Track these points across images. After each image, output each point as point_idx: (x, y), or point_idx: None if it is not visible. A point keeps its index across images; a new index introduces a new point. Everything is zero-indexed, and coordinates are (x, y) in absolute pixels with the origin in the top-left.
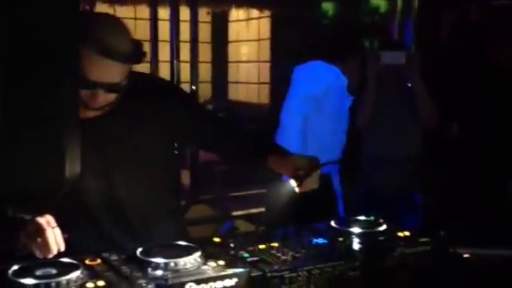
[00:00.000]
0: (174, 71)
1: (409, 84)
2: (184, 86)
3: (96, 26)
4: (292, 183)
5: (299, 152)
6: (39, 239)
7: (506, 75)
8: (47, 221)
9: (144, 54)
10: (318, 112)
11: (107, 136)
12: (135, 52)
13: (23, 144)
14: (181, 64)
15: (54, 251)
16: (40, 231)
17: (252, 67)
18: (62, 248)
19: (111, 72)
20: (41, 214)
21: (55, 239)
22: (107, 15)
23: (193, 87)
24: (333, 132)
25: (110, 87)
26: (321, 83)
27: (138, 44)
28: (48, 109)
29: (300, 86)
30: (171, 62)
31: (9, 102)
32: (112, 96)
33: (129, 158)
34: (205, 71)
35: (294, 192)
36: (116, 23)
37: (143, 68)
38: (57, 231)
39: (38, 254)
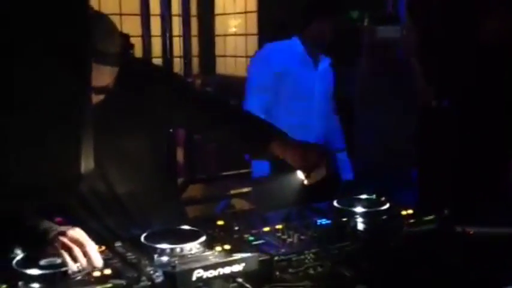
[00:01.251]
0: (166, 45)
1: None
2: (175, 60)
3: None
4: (300, 174)
5: None
6: (76, 251)
7: (499, 47)
8: (81, 234)
9: (132, 47)
10: (277, 102)
11: (98, 125)
12: (125, 51)
13: (36, 140)
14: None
15: (99, 264)
16: (79, 243)
17: (239, 40)
18: (101, 261)
19: (103, 75)
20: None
21: (95, 252)
22: (93, 15)
23: (186, 61)
24: (304, 120)
25: (99, 90)
26: (269, 71)
27: (125, 38)
28: (62, 104)
29: (251, 79)
30: (163, 36)
31: (23, 98)
32: (101, 97)
33: (121, 146)
34: (192, 44)
35: (301, 184)
36: (104, 22)
37: (135, 42)
38: (93, 244)
39: (74, 267)
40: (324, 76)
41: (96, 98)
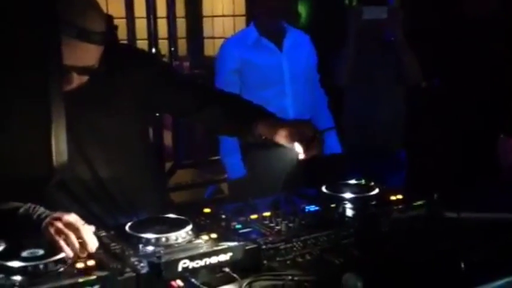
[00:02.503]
0: (151, 27)
1: (391, 39)
2: (162, 42)
3: (68, 6)
4: (298, 148)
5: None
6: (72, 237)
7: (484, 24)
8: (76, 219)
9: (116, 29)
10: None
11: (80, 109)
12: (109, 29)
13: (6, 133)
14: (158, 20)
15: (93, 249)
16: (73, 228)
17: (227, 21)
18: (97, 245)
19: (88, 54)
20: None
21: (91, 236)
22: None
23: (172, 46)
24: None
25: (84, 70)
26: (225, 70)
27: (109, 19)
28: (32, 96)
29: (215, 77)
30: (148, 18)
31: None
32: (85, 78)
33: (105, 130)
34: (179, 26)
35: (297, 159)
36: (88, 1)
37: (119, 25)
38: (89, 228)
39: (69, 253)
40: (291, 55)
41: (80, 79)
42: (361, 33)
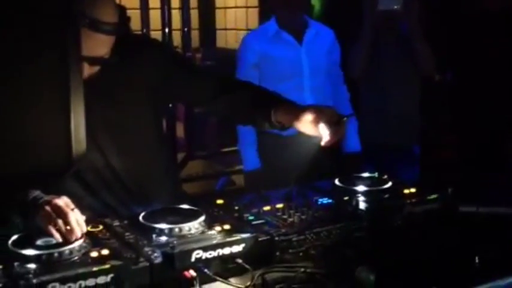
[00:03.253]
0: (165, 18)
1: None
2: (175, 33)
3: None
4: (323, 132)
5: None
6: (59, 222)
7: (498, 18)
8: (65, 203)
9: (129, 20)
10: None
11: (93, 97)
12: (122, 21)
13: (27, 122)
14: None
15: (78, 234)
16: (60, 213)
17: (240, 13)
18: (84, 230)
19: (98, 45)
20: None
21: (77, 221)
22: None
23: (185, 29)
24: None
25: (95, 61)
26: (246, 64)
27: (122, 10)
28: (51, 84)
29: (237, 70)
30: (162, 9)
31: (11, 78)
32: (96, 68)
33: (117, 120)
34: (191, 18)
35: (319, 145)
36: None
37: (133, 16)
38: (78, 212)
39: (58, 237)
40: (311, 49)
41: (91, 70)
42: (376, 25)
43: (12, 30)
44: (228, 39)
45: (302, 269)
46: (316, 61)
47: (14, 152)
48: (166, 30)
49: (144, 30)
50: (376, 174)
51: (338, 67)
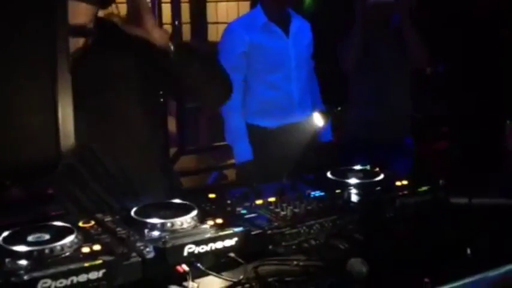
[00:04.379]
0: (155, 11)
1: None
2: (166, 27)
3: None
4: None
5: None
6: None
7: (490, 11)
8: None
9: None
10: (253, 77)
11: (83, 91)
12: None
13: (13, 117)
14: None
15: None
16: None
17: (231, 6)
18: None
19: (79, 12)
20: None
21: None
22: None
23: (177, 23)
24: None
25: (77, 30)
26: (233, 52)
27: None
28: (40, 79)
29: (221, 59)
30: (152, 2)
31: None
32: (80, 42)
33: (109, 112)
34: (182, 11)
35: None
36: None
37: (123, 11)
38: None
39: None
40: (297, 41)
41: (75, 44)
42: (368, 18)
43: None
44: (219, 32)
45: (295, 262)
46: (301, 53)
47: (6, 144)
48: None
49: None
50: (368, 167)
51: (312, 59)
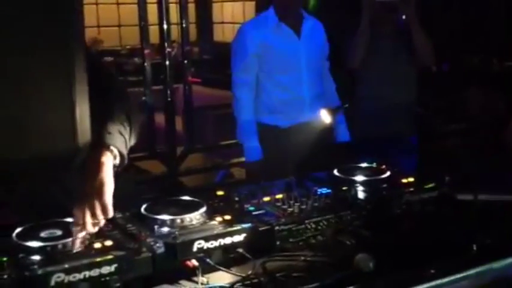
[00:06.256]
0: (163, 12)
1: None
2: (173, 27)
3: None
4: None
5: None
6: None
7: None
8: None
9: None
10: (266, 77)
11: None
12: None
13: (32, 111)
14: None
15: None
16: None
17: (236, 6)
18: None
19: None
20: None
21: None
22: None
23: (184, 25)
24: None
25: None
26: (246, 53)
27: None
28: (57, 73)
29: (233, 61)
30: (159, 3)
31: (15, 67)
32: None
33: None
34: (188, 11)
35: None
36: None
37: (131, 11)
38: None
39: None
40: (309, 43)
41: None
42: (374, 17)
43: (20, 22)
44: (225, 33)
45: (302, 258)
46: (313, 54)
47: (18, 139)
48: (164, 24)
49: (142, 25)
50: (374, 164)
51: (327, 59)
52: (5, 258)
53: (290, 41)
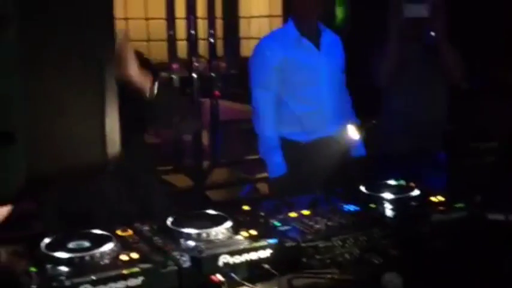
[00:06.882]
0: (191, 27)
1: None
2: (201, 42)
3: None
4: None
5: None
6: None
7: None
8: None
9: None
10: (286, 92)
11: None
12: None
13: (65, 124)
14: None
15: None
16: None
17: (263, 22)
18: None
19: None
20: None
21: None
22: None
23: (211, 39)
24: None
25: None
26: (267, 67)
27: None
28: (88, 86)
29: (252, 76)
30: (188, 19)
31: (47, 77)
32: None
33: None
34: (216, 27)
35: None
36: None
37: (159, 26)
38: None
39: None
40: (328, 56)
41: None
42: (402, 33)
43: (55, 36)
44: (251, 48)
45: (329, 276)
46: (333, 67)
47: (50, 151)
48: (193, 39)
49: (171, 40)
50: (403, 182)
51: (343, 73)
52: (33, 269)
53: (311, 55)
